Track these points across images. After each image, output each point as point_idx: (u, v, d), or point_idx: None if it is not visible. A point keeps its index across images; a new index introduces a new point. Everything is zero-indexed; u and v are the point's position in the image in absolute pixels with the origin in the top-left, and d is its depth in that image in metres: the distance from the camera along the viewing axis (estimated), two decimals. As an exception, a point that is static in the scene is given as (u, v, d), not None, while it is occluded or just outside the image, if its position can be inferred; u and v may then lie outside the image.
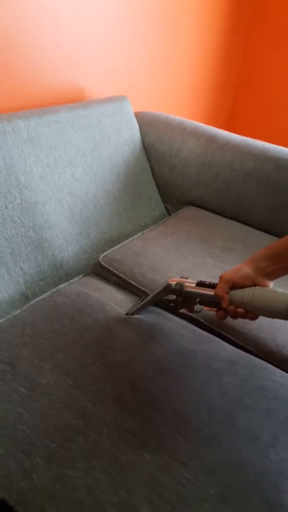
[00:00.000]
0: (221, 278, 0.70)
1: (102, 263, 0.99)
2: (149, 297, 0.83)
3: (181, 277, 0.75)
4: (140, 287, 0.93)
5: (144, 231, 1.15)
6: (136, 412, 0.65)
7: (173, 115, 1.40)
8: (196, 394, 0.69)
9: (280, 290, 0.68)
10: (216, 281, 0.72)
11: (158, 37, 1.51)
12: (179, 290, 0.73)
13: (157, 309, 0.88)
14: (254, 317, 0.71)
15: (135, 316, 0.84)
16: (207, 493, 0.56)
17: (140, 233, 1.14)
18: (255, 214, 1.22)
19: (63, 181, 1.08)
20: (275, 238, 1.19)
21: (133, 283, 0.94)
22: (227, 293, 0.69)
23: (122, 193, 1.24)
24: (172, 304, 0.78)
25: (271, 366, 0.77)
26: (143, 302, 0.84)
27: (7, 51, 1.04)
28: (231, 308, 0.69)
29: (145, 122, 1.37)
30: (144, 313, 0.85)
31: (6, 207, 0.94)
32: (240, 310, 0.69)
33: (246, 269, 0.70)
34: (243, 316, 0.70)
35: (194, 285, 0.73)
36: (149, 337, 0.79)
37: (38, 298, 0.90)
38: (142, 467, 0.58)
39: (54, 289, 0.92)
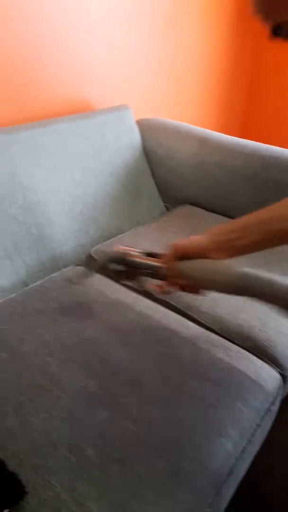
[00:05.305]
0: (171, 246, 0.64)
1: (93, 255, 1.10)
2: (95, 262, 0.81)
3: (128, 246, 0.69)
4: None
5: (137, 227, 1.26)
6: (99, 377, 0.75)
7: (170, 120, 1.49)
8: (154, 364, 0.78)
9: (227, 262, 0.61)
10: None
11: (162, 46, 1.61)
12: (121, 258, 0.67)
13: (131, 292, 0.98)
14: (195, 290, 0.66)
15: (111, 296, 0.94)
16: (145, 441, 0.64)
17: (134, 229, 1.25)
18: (243, 209, 1.28)
19: (63, 184, 1.20)
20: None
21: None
22: (174, 261, 0.63)
23: (121, 194, 1.35)
24: (112, 274, 0.71)
25: (229, 343, 0.84)
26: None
27: (12, 67, 1.16)
28: (172, 279, 0.64)
29: (146, 128, 1.47)
30: (118, 293, 0.95)
31: (10, 207, 1.08)
32: (181, 281, 0.64)
33: (201, 240, 0.64)
34: (184, 288, 0.66)
35: (140, 254, 0.67)
36: (120, 315, 0.89)
37: (32, 285, 1.03)
38: (94, 420, 0.67)
39: (47, 277, 1.05)
